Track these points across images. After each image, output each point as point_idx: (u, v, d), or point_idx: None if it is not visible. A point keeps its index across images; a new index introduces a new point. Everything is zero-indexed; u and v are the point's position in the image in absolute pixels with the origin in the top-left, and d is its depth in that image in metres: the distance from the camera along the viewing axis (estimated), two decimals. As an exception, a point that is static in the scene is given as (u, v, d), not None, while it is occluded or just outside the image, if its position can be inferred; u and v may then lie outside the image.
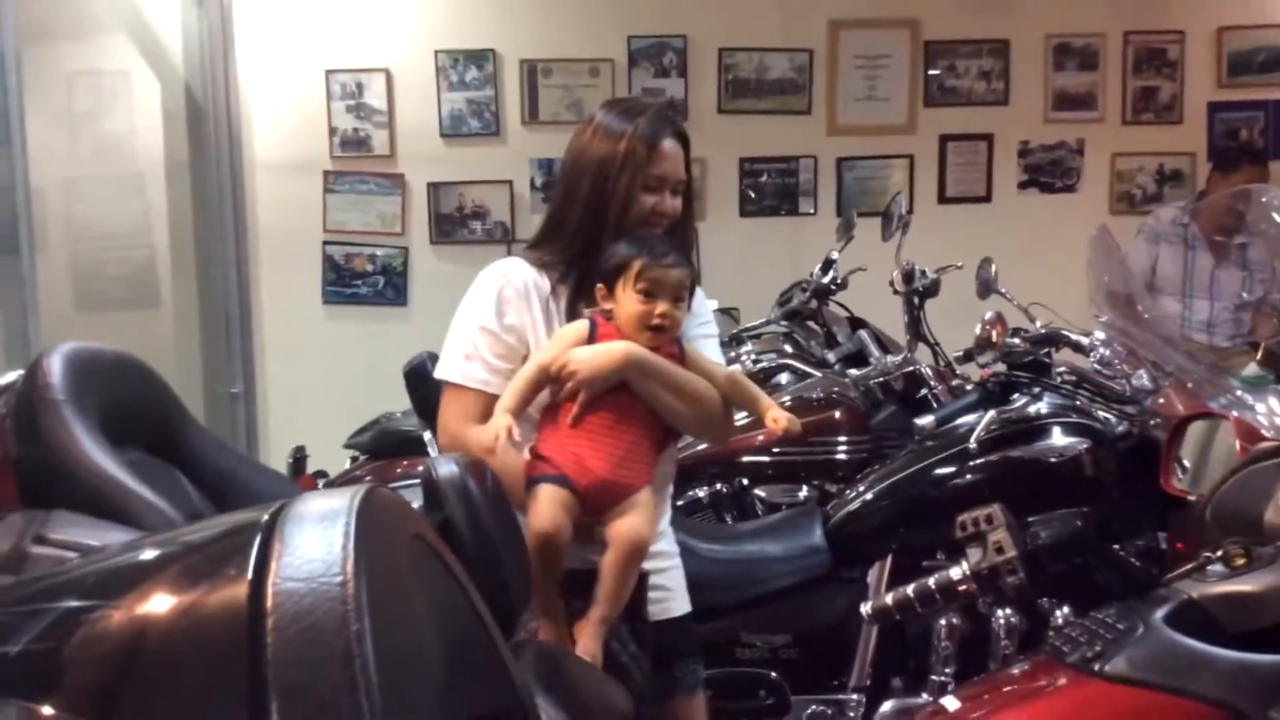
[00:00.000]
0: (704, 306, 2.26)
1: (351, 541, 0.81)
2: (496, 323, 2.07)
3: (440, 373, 2.11)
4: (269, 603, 0.75)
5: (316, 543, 0.80)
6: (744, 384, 2.12)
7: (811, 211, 5.31)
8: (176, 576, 0.83)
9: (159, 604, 0.81)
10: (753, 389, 2.13)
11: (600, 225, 2.07)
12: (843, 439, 3.41)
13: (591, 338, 1.98)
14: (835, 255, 4.09)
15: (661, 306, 1.97)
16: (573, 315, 2.07)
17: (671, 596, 2.20)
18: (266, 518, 0.86)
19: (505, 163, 5.21)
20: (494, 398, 1.99)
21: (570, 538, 1.91)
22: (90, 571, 0.96)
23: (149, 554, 0.93)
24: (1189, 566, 1.88)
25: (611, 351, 1.95)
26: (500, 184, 5.20)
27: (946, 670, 2.70)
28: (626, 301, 1.98)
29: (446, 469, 1.88)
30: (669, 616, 2.18)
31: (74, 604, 0.89)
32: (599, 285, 2.02)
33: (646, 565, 2.04)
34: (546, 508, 1.89)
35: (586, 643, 1.87)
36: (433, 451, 3.14)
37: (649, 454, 2.01)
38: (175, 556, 0.89)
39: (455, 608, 1.09)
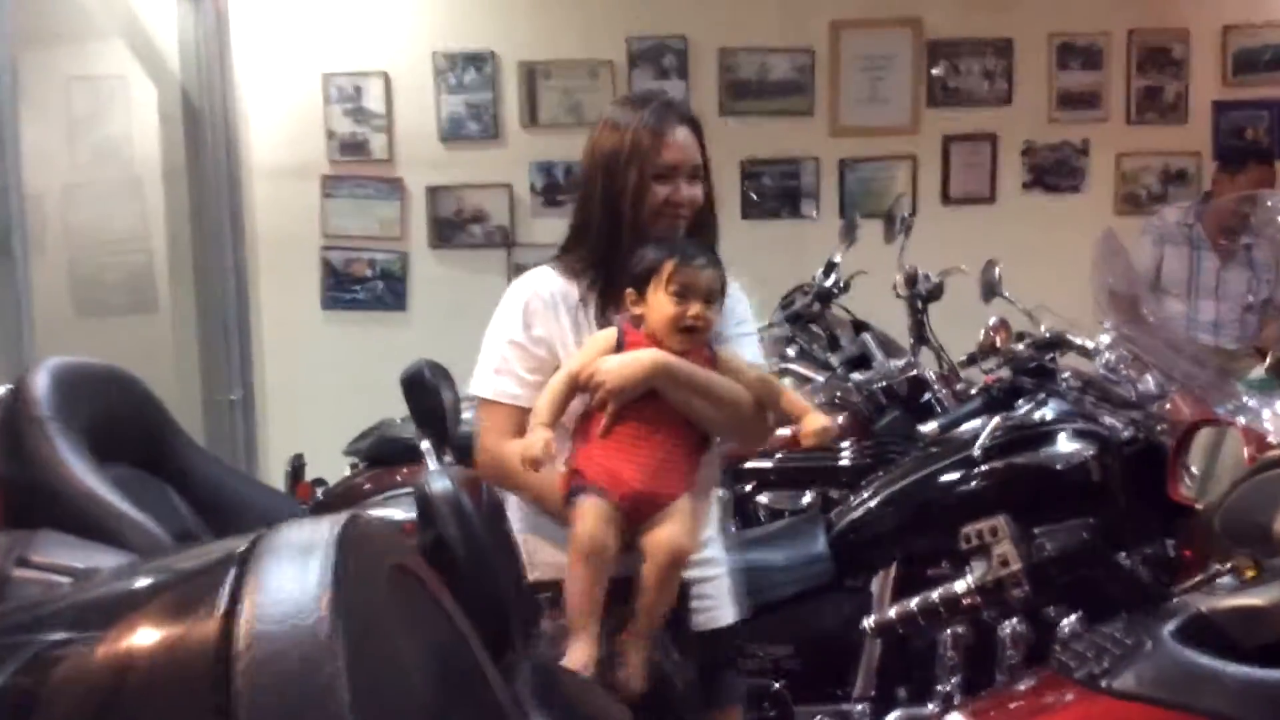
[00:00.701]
0: (741, 305, 2.20)
1: (330, 577, 0.78)
2: (525, 335, 2.05)
3: (473, 389, 2.10)
4: (239, 646, 0.72)
5: (292, 579, 0.77)
6: (776, 386, 2.08)
7: (814, 214, 5.28)
8: (148, 617, 0.80)
9: (130, 647, 0.78)
10: (785, 392, 2.08)
11: (617, 222, 2.04)
12: (846, 444, 3.37)
13: (620, 346, 1.96)
14: (838, 258, 4.06)
15: (694, 308, 1.94)
16: (604, 321, 2.04)
17: (718, 605, 2.15)
18: (242, 550, 0.83)
19: (504, 166, 5.18)
20: (527, 411, 1.97)
21: (616, 550, 1.88)
22: (67, 606, 0.93)
23: (125, 589, 0.91)
24: (1198, 579, 1.85)
25: (639, 360, 1.93)
26: (500, 187, 5.17)
27: (952, 680, 2.66)
28: (658, 304, 1.95)
29: (440, 485, 1.85)
30: (715, 626, 2.13)
31: (50, 639, 0.87)
32: (628, 290, 1.99)
33: (691, 574, 2.02)
34: (590, 522, 1.87)
35: (632, 657, 1.85)
36: (430, 461, 3.11)
37: (684, 461, 1.97)
38: (149, 594, 0.86)
39: (440, 636, 1.07)
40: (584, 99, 5.09)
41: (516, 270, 5.10)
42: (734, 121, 5.21)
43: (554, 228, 4.95)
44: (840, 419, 3.39)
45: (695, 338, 1.96)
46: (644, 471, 1.91)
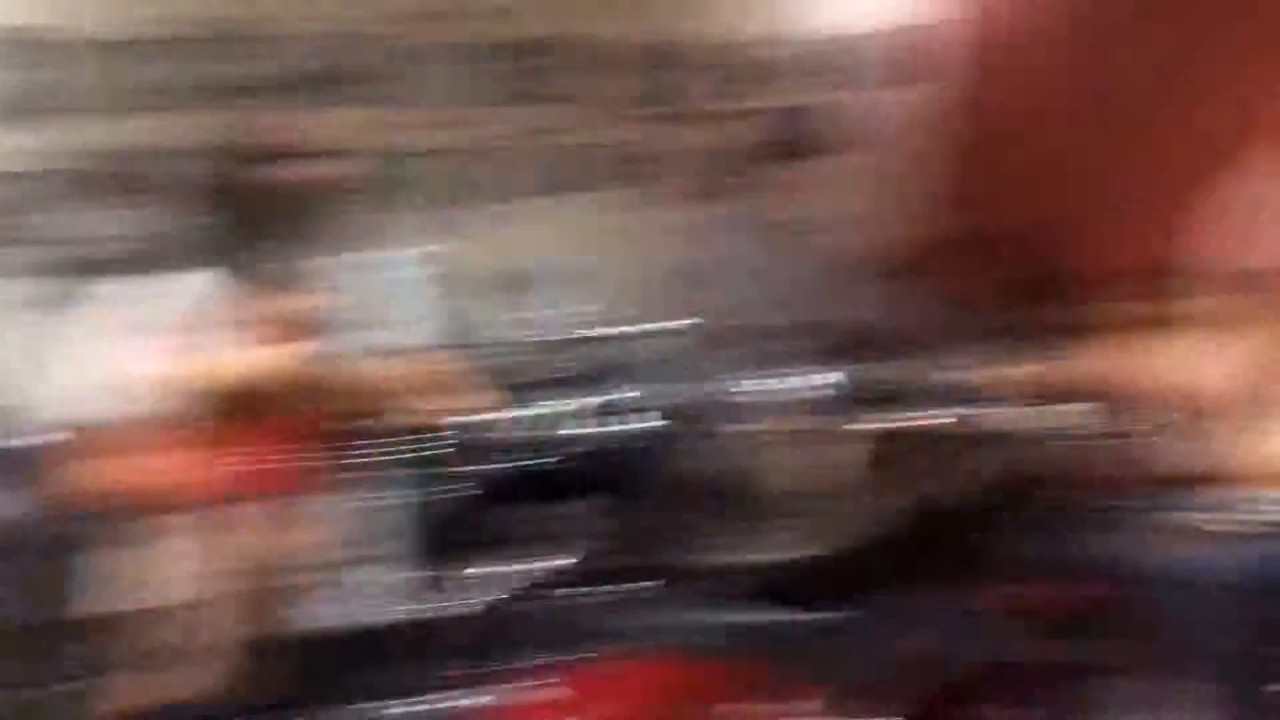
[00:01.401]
0: (398, 285, 2.17)
1: None
2: (116, 352, 1.98)
3: (58, 413, 2.02)
4: None
5: None
6: (395, 373, 2.09)
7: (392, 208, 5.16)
8: None
9: None
10: (404, 376, 2.09)
11: (230, 216, 2.00)
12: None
13: (219, 351, 1.93)
14: (428, 249, 4.04)
15: (282, 302, 1.89)
16: (211, 328, 1.99)
17: (332, 608, 2.09)
18: None
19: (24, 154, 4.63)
20: (121, 431, 1.90)
21: (209, 566, 1.85)
22: None
23: None
24: (735, 541, 1.99)
25: (233, 363, 1.92)
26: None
27: (531, 655, 2.69)
28: (256, 304, 1.94)
29: None
30: (327, 629, 2.05)
31: None
32: (236, 295, 1.96)
33: (299, 577, 1.99)
34: (176, 542, 1.84)
35: (209, 658, 1.80)
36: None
37: (290, 460, 1.95)
38: None
39: None
40: (130, 81, 4.60)
41: (30, 270, 4.56)
42: (303, 114, 4.99)
43: (74, 224, 4.54)
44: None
45: (294, 329, 1.96)
46: (242, 474, 1.89)
